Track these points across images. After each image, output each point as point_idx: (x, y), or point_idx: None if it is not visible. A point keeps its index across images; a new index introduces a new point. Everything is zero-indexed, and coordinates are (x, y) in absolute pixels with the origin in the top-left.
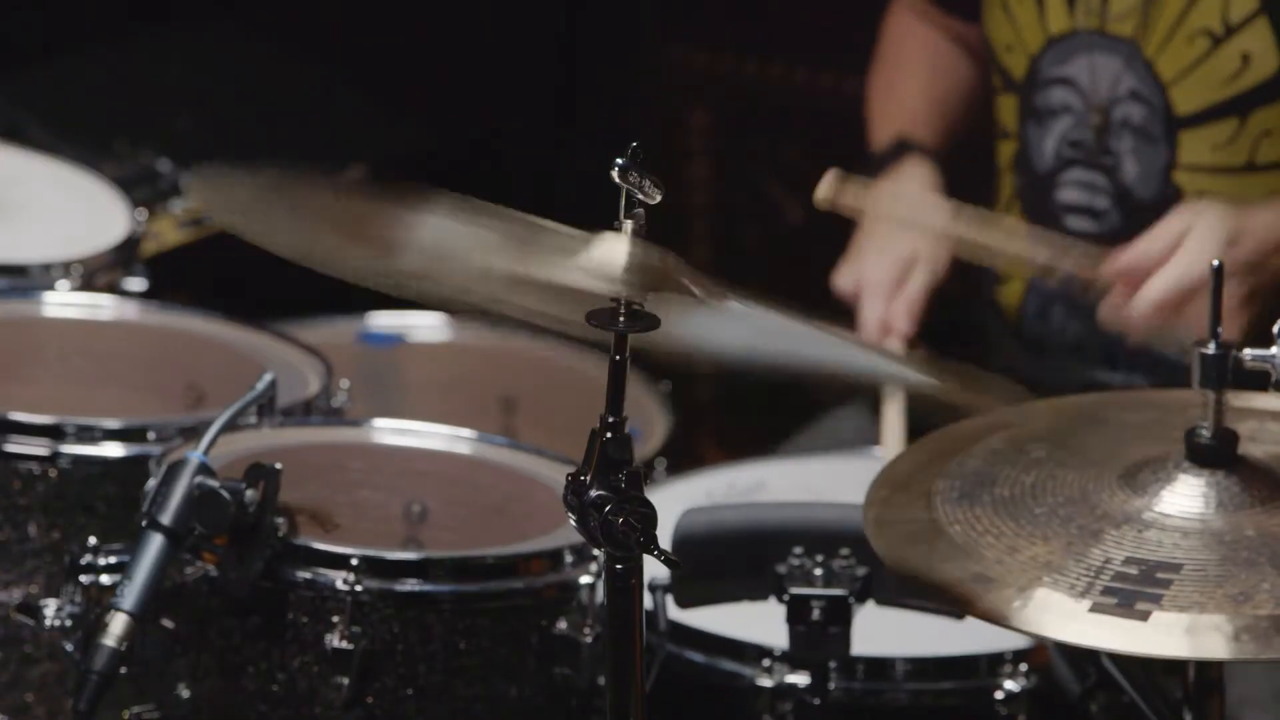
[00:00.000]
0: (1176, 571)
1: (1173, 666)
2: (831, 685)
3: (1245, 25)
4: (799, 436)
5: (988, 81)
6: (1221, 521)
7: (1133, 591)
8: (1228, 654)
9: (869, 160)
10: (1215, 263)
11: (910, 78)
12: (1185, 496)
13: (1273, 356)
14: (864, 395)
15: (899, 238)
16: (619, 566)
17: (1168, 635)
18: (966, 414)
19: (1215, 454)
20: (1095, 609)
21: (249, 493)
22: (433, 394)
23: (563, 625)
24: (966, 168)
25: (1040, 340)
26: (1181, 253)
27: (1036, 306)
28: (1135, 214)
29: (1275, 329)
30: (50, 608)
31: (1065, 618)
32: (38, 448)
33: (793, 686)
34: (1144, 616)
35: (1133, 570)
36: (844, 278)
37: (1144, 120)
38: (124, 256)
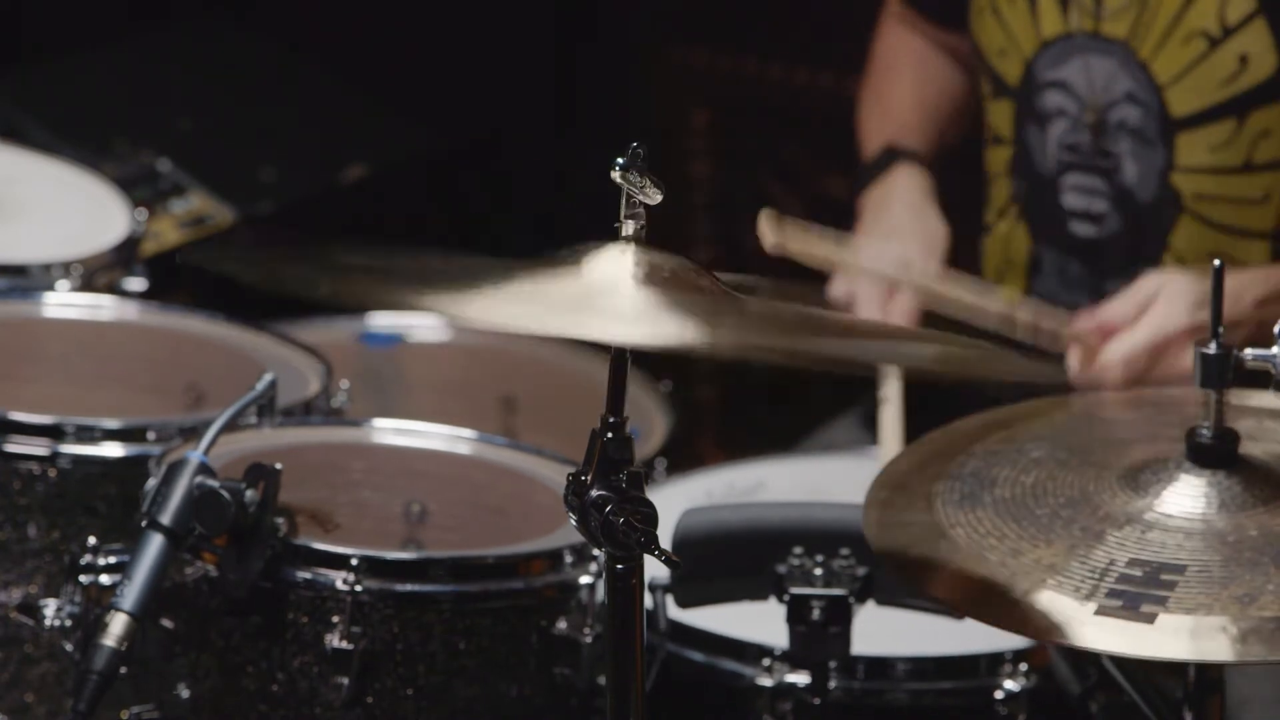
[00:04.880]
0: (1181, 573)
1: (1174, 666)
2: (831, 685)
3: (1243, 26)
4: (798, 448)
5: (978, 89)
6: (1224, 522)
7: (1138, 594)
8: (1234, 657)
9: (860, 170)
10: (1216, 263)
11: (899, 86)
12: (1187, 497)
13: (1273, 356)
14: (862, 404)
15: (891, 245)
16: (619, 566)
17: (1174, 638)
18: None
19: (1216, 454)
20: (1101, 612)
21: (249, 493)
22: (433, 394)
23: (563, 625)
24: (958, 176)
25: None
26: (1150, 314)
27: None
28: (1135, 217)
29: (1276, 329)
30: (50, 608)
31: (1071, 622)
32: (38, 448)
33: (793, 686)
34: (1150, 619)
35: (1137, 572)
36: (837, 287)
37: (1140, 122)
38: (124, 256)
